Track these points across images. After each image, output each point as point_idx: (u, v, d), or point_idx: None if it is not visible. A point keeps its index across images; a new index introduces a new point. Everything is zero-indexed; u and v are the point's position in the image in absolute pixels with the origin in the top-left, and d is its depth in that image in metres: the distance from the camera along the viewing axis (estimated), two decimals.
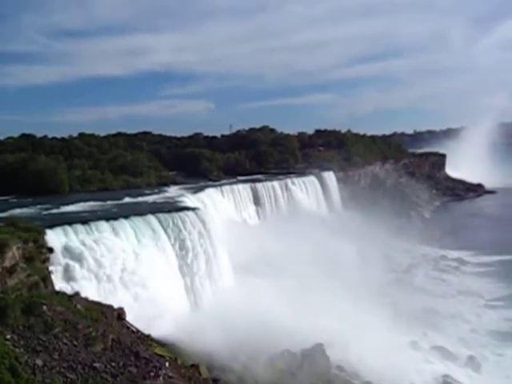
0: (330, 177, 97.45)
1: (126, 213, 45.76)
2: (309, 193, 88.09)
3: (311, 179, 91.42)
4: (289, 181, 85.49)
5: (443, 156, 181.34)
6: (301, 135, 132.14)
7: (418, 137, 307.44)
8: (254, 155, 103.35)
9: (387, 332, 43.62)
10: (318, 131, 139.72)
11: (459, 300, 62.80)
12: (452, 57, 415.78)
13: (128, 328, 33.62)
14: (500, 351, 48.24)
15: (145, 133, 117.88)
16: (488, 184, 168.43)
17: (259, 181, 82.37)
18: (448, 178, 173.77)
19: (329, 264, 55.18)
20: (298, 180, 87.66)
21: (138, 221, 43.97)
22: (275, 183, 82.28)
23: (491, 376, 43.20)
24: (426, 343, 47.50)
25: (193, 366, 32.69)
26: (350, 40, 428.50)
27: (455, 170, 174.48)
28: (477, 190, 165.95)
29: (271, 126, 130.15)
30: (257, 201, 76.81)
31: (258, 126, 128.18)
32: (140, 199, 59.32)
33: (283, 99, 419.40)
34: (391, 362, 38.79)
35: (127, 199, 58.35)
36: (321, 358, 37.47)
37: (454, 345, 48.24)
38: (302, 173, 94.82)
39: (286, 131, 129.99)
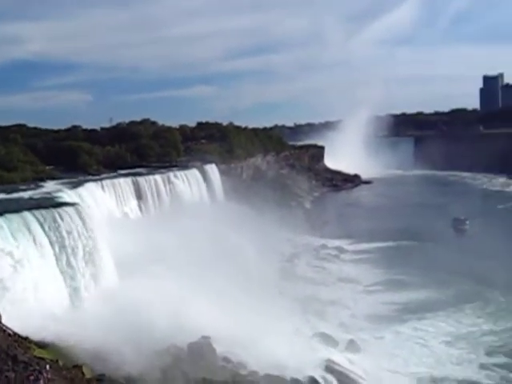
0: (212, 169, 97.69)
1: None
2: (191, 186, 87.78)
3: (193, 172, 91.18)
4: (171, 174, 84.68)
5: (322, 148, 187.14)
6: (183, 128, 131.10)
7: (297, 129, 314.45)
8: (135, 148, 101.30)
9: (272, 321, 44.37)
10: (200, 124, 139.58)
11: (339, 287, 65.14)
12: (329, 52, 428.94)
13: (4, 331, 31.98)
14: (378, 334, 50.59)
15: (19, 125, 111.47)
16: (364, 174, 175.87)
17: (141, 174, 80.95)
18: (327, 169, 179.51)
19: (211, 256, 55.36)
20: (180, 173, 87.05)
21: (12, 218, 41.40)
22: (157, 177, 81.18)
23: (370, 358, 45.18)
24: (309, 330, 48.88)
25: (75, 366, 31.62)
26: (231, 33, 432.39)
27: (333, 161, 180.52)
28: (354, 180, 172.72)
29: (153, 119, 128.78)
30: (139, 195, 75.34)
31: (138, 118, 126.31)
32: (15, 195, 56.30)
33: (165, 91, 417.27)
34: (276, 350, 39.51)
35: (0, 195, 55.37)
36: (207, 350, 37.56)
37: (335, 330, 49.96)
38: (184, 166, 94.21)
39: (167, 124, 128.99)
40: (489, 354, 46.25)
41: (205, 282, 46.54)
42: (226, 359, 38.19)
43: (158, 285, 43.39)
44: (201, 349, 37.34)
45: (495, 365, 44.06)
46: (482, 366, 43.99)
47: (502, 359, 45.07)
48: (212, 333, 38.69)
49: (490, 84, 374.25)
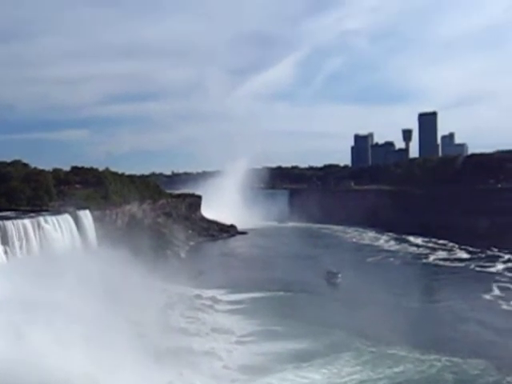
0: (85, 215, 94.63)
1: None
2: (63, 232, 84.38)
3: (66, 217, 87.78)
4: (41, 219, 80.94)
5: (199, 197, 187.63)
6: (56, 172, 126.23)
7: (175, 178, 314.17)
8: (4, 191, 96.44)
9: (145, 372, 42.97)
10: (74, 168, 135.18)
11: (213, 337, 64.42)
12: (210, 103, 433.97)
13: None
14: None
15: None
16: (240, 225, 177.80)
17: (8, 218, 76.85)
18: (203, 218, 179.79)
19: (79, 304, 53.14)
20: (51, 218, 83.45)
21: None
22: (26, 221, 77.26)
23: None
24: (182, 382, 47.74)
25: None
26: (109, 78, 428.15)
27: (210, 211, 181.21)
28: (230, 230, 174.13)
29: (24, 161, 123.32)
30: (5, 240, 71.31)
31: (8, 160, 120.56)
32: None
33: (37, 133, 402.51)
34: None
35: None
36: None
37: (208, 382, 49.25)
38: (56, 211, 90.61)
39: (40, 167, 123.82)
40: None
41: (70, 331, 44.41)
42: None
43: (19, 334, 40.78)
44: None
45: None
46: None
47: None
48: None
49: (361, 142, 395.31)
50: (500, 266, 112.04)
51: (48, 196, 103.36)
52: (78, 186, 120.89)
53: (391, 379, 51.83)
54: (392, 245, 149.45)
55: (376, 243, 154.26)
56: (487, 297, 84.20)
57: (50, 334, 41.85)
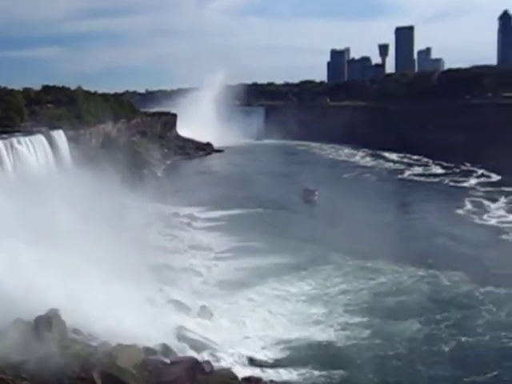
0: (59, 135, 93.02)
1: None
2: (37, 152, 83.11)
3: (39, 138, 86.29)
4: (14, 140, 79.39)
5: (174, 116, 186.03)
6: (27, 91, 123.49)
7: (149, 96, 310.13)
8: None
9: (124, 290, 43.47)
10: (46, 87, 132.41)
11: (191, 254, 65.06)
12: (182, 19, 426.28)
13: None
14: (230, 299, 51.23)
15: None
16: (216, 143, 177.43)
17: None
18: (179, 137, 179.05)
19: (59, 225, 53.03)
20: (24, 139, 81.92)
21: None
22: None
23: (221, 322, 45.76)
24: (162, 298, 48.44)
25: None
26: None
27: (186, 129, 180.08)
28: (205, 148, 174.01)
29: None
30: None
31: None
32: None
33: (5, 52, 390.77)
34: (128, 319, 38.75)
35: None
36: (56, 323, 35.91)
37: (187, 297, 49.93)
38: (29, 131, 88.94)
39: (10, 86, 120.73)
40: (346, 312, 48.25)
41: (52, 253, 44.45)
42: (76, 331, 36.82)
43: (4, 258, 40.69)
44: (49, 322, 35.64)
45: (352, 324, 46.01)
46: (340, 326, 45.57)
47: (357, 318, 47.06)
48: (61, 305, 37.09)
49: (337, 58, 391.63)
50: (473, 181, 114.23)
51: (19, 116, 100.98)
52: (49, 105, 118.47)
53: (372, 289, 53.21)
54: (368, 161, 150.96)
55: (352, 159, 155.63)
56: (460, 211, 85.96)
57: (35, 255, 41.82)
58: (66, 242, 48.57)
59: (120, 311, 39.27)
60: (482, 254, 62.98)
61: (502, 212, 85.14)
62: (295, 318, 47.41)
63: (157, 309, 45.17)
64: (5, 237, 42.56)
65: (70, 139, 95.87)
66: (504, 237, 71.52)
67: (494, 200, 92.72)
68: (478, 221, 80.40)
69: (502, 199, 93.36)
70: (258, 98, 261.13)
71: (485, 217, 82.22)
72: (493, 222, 79.62)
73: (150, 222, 77.51)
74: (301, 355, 40.98)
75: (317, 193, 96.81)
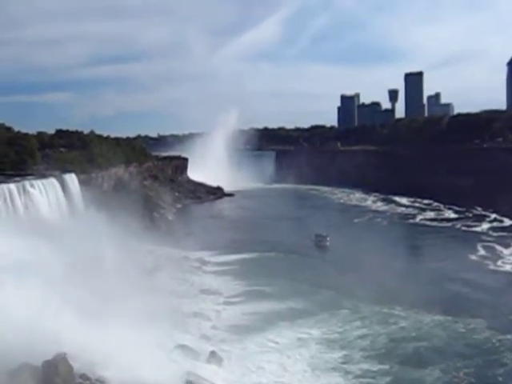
0: (71, 179, 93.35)
1: None
2: (49, 196, 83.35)
3: (51, 181, 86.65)
4: (27, 183, 79.77)
5: (185, 160, 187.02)
6: (41, 135, 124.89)
7: (161, 140, 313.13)
8: None
9: (133, 335, 42.81)
10: (59, 131, 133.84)
11: (201, 299, 64.46)
12: (193, 64, 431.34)
13: None
14: (239, 345, 50.35)
15: None
16: (227, 187, 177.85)
17: None
18: (190, 181, 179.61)
19: (71, 268, 52.68)
20: (37, 182, 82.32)
21: None
22: (12, 185, 76.21)
23: (232, 368, 44.91)
24: (171, 342, 47.73)
25: None
26: (90, 39, 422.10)
27: (197, 173, 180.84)
28: (216, 192, 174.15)
29: (7, 125, 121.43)
30: None
31: None
32: None
33: (19, 96, 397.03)
34: (136, 364, 38.08)
35: None
36: (64, 368, 35.33)
37: (196, 342, 49.26)
38: (41, 175, 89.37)
39: (23, 130, 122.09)
40: (365, 358, 47.36)
41: (62, 294, 44.04)
42: (83, 376, 36.14)
43: (10, 297, 40.31)
44: (56, 366, 35.05)
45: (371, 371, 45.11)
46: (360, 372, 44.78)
47: (376, 364, 46.24)
48: (69, 349, 36.54)
49: (347, 103, 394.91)
50: (485, 226, 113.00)
51: (32, 160, 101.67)
52: (62, 149, 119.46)
53: (389, 334, 52.42)
54: (379, 205, 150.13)
55: (363, 204, 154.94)
56: (474, 257, 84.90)
57: (39, 294, 41.38)
58: (73, 284, 48.21)
59: (129, 356, 38.65)
60: (498, 301, 62.11)
61: None
62: (310, 364, 46.40)
63: (165, 353, 44.46)
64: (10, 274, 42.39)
65: (81, 183, 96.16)
66: None
67: (508, 245, 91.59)
68: (492, 267, 79.21)
69: None
70: (269, 142, 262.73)
71: (499, 263, 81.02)
72: (507, 267, 78.49)
73: (159, 266, 77.11)
74: None
75: (328, 238, 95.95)
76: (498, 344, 49.94)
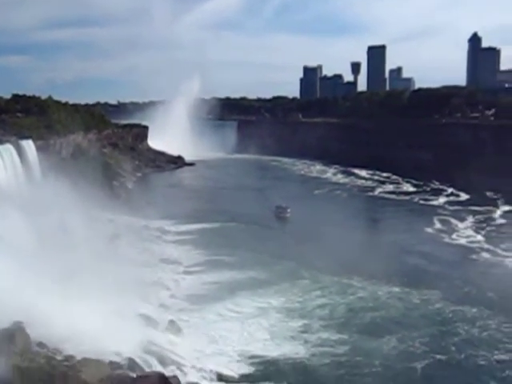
0: (28, 145, 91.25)
1: None
2: (5, 162, 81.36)
3: (7, 147, 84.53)
4: None
5: (146, 128, 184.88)
6: None
7: (121, 108, 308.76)
8: None
9: (91, 303, 42.56)
10: (15, 96, 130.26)
11: (161, 268, 64.43)
12: (154, 31, 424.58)
13: None
14: (198, 314, 50.71)
15: None
16: (188, 156, 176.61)
17: None
18: (150, 149, 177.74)
19: (29, 237, 51.99)
20: None
21: None
22: None
23: (190, 337, 45.18)
24: (130, 311, 47.63)
25: None
26: (47, 1, 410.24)
27: (157, 142, 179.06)
28: (177, 161, 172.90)
29: None
30: None
31: None
32: None
33: None
34: (95, 333, 37.97)
35: None
36: (20, 337, 35.02)
37: (155, 311, 49.36)
38: None
39: None
40: (324, 327, 48.27)
41: (19, 263, 43.40)
42: (40, 345, 35.93)
43: None
44: (13, 335, 34.70)
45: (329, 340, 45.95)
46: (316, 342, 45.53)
47: (334, 334, 47.08)
48: (26, 317, 36.15)
49: (310, 74, 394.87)
50: (442, 200, 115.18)
51: None
52: (19, 114, 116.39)
53: (348, 305, 53.46)
54: (339, 177, 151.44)
55: (324, 176, 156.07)
56: (430, 230, 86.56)
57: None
58: (31, 253, 47.60)
59: (87, 325, 38.45)
60: (453, 273, 63.79)
61: (470, 232, 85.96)
62: (271, 333, 47.06)
63: (124, 322, 44.36)
64: None
65: (39, 149, 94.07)
66: (473, 256, 72.34)
67: (463, 219, 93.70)
68: (447, 240, 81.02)
69: (470, 219, 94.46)
70: (231, 112, 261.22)
71: (454, 236, 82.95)
72: (462, 241, 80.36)
73: (120, 235, 76.50)
74: (274, 371, 40.67)
75: (289, 210, 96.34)
76: (451, 315, 51.40)
